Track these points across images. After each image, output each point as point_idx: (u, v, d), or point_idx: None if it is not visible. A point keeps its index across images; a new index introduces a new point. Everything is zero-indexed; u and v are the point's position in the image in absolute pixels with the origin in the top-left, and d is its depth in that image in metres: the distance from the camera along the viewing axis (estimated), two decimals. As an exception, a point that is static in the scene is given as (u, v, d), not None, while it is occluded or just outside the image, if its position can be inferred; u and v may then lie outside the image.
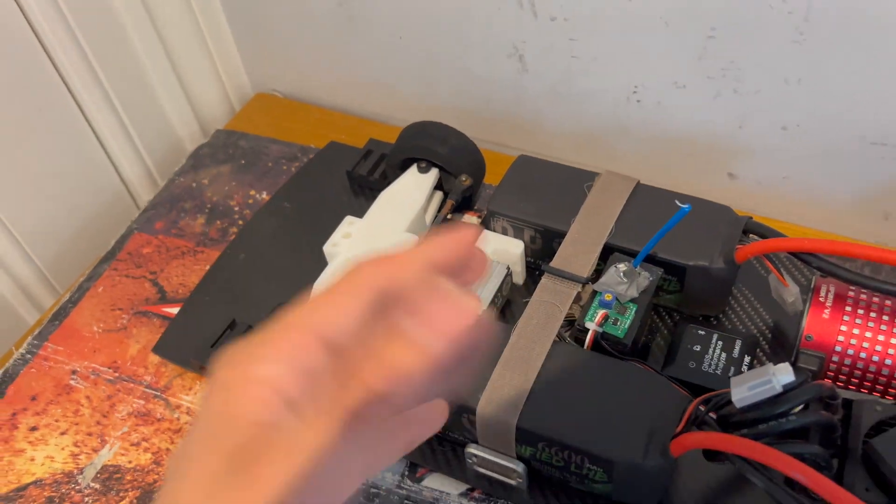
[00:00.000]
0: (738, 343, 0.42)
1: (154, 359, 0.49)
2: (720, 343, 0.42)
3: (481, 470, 0.41)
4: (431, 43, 0.56)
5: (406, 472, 0.43)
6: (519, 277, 0.48)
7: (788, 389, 0.33)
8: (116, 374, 0.49)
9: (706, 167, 0.52)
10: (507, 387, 0.38)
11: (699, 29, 0.45)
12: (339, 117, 0.65)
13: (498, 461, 0.39)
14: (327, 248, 0.49)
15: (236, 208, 0.58)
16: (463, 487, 0.42)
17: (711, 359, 0.42)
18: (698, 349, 0.42)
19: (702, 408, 0.35)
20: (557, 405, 0.37)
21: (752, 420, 0.34)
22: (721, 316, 0.46)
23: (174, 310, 0.52)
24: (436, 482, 0.42)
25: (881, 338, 0.37)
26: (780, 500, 0.32)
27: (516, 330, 0.40)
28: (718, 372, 0.41)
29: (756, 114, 0.48)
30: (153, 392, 0.48)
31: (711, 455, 0.35)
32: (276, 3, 0.60)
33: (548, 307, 0.41)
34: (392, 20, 0.56)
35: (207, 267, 0.54)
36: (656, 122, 0.51)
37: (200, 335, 0.48)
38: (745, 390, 0.33)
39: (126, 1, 0.58)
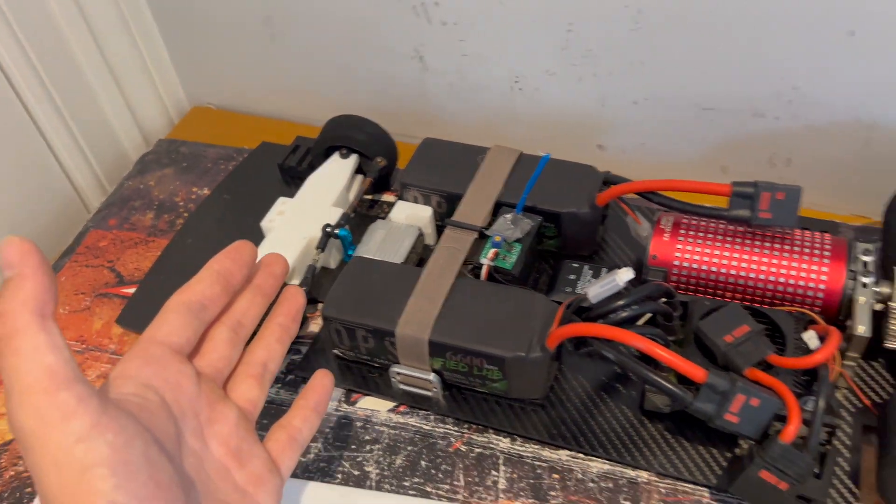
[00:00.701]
0: (604, 271, 0.52)
1: (117, 330, 0.56)
2: (590, 272, 0.52)
3: (404, 386, 0.49)
4: (346, 51, 0.65)
5: (342, 399, 0.51)
6: (430, 238, 0.57)
7: (630, 287, 0.43)
8: (84, 346, 0.56)
9: (580, 141, 0.62)
10: (419, 312, 0.47)
11: (559, 24, 0.55)
12: (270, 123, 0.73)
13: (416, 375, 0.48)
14: (264, 223, 0.57)
15: (181, 203, 0.66)
16: (391, 405, 0.50)
17: (584, 284, 0.52)
18: (573, 277, 0.52)
19: (567, 310, 0.44)
20: (460, 321, 0.46)
21: (604, 312, 0.43)
22: (594, 255, 0.56)
23: (132, 290, 0.59)
24: (368, 403, 0.50)
25: (707, 251, 0.48)
26: (626, 367, 0.41)
27: (426, 269, 0.49)
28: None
29: (613, 92, 0.58)
30: (118, 357, 0.55)
31: (578, 346, 0.45)
32: (207, 25, 0.69)
33: (451, 251, 0.50)
34: (311, 34, 0.65)
35: (159, 253, 0.61)
36: (536, 106, 0.61)
37: (157, 305, 0.55)
38: (597, 289, 0.43)
39: (75, 29, 0.66)
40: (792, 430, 0.39)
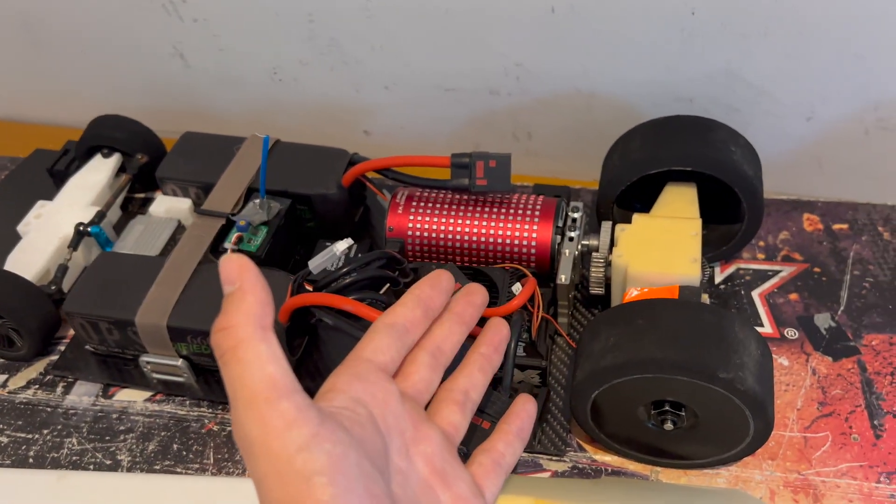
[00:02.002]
0: (354, 246, 0.55)
1: None
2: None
3: (157, 375, 0.50)
4: (108, 53, 0.65)
5: (99, 394, 0.51)
6: (192, 231, 0.58)
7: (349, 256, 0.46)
8: None
9: (346, 128, 0.65)
10: (159, 299, 0.48)
11: (301, 16, 0.58)
12: (48, 130, 0.72)
13: (165, 362, 0.49)
14: (20, 227, 0.56)
15: (-51, 217, 0.64)
16: (147, 395, 0.51)
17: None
18: (324, 256, 0.54)
19: (295, 284, 0.47)
20: (198, 305, 0.47)
21: (329, 281, 0.46)
22: (354, 234, 0.58)
23: None
24: (125, 395, 0.51)
25: (435, 220, 0.51)
26: (343, 331, 0.44)
27: (170, 258, 0.50)
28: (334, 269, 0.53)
29: (364, 79, 0.61)
30: None
31: (311, 317, 0.47)
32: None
33: (196, 238, 0.52)
34: (71, 37, 0.65)
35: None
36: (299, 96, 0.63)
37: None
38: (317, 260, 0.46)
39: None
40: (488, 373, 0.42)
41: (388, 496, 0.28)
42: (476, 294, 0.38)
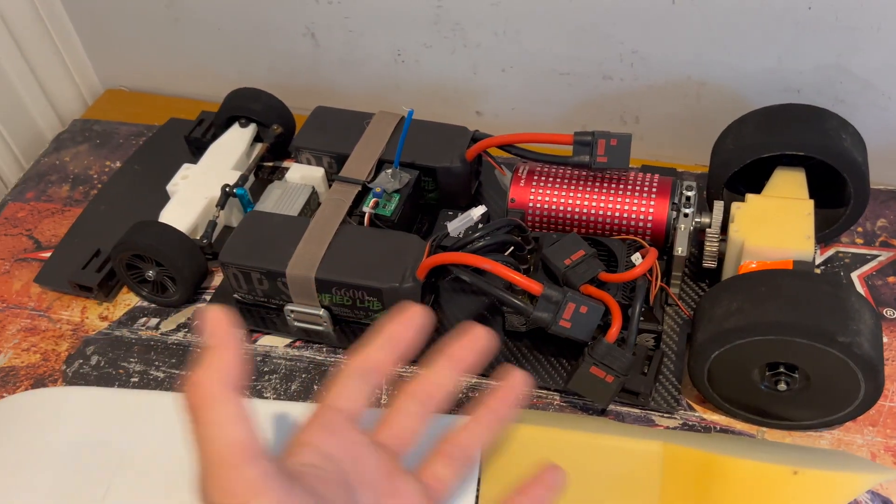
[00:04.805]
0: (487, 213, 0.59)
1: (36, 290, 0.61)
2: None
3: (298, 323, 0.55)
4: (243, 31, 0.70)
5: (244, 339, 0.57)
6: (323, 196, 0.63)
7: (484, 222, 0.51)
8: (4, 305, 0.60)
9: (460, 108, 0.69)
10: (307, 254, 0.53)
11: (430, 1, 0.62)
12: (179, 101, 0.78)
13: (308, 311, 0.54)
14: (169, 186, 0.62)
15: (95, 176, 0.71)
16: (287, 341, 0.56)
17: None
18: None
19: (433, 244, 0.51)
20: (343, 260, 0.52)
21: (464, 244, 0.50)
22: (470, 206, 0.62)
23: (49, 254, 0.64)
24: (267, 341, 0.56)
25: (556, 193, 0.55)
26: (479, 287, 0.48)
27: (315, 218, 0.55)
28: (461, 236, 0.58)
29: (482, 62, 0.65)
30: (37, 313, 0.60)
31: (445, 276, 0.51)
32: (115, 10, 0.73)
33: (337, 202, 0.57)
34: (211, 16, 0.70)
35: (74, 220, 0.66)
36: (418, 77, 0.68)
37: (73, 264, 0.60)
38: (456, 223, 0.50)
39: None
40: (614, 332, 0.47)
41: None
42: (480, 339, 0.35)
